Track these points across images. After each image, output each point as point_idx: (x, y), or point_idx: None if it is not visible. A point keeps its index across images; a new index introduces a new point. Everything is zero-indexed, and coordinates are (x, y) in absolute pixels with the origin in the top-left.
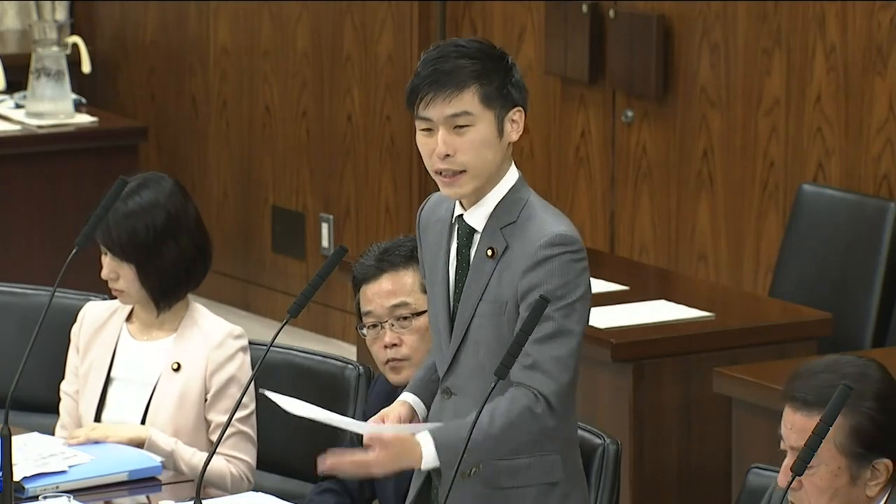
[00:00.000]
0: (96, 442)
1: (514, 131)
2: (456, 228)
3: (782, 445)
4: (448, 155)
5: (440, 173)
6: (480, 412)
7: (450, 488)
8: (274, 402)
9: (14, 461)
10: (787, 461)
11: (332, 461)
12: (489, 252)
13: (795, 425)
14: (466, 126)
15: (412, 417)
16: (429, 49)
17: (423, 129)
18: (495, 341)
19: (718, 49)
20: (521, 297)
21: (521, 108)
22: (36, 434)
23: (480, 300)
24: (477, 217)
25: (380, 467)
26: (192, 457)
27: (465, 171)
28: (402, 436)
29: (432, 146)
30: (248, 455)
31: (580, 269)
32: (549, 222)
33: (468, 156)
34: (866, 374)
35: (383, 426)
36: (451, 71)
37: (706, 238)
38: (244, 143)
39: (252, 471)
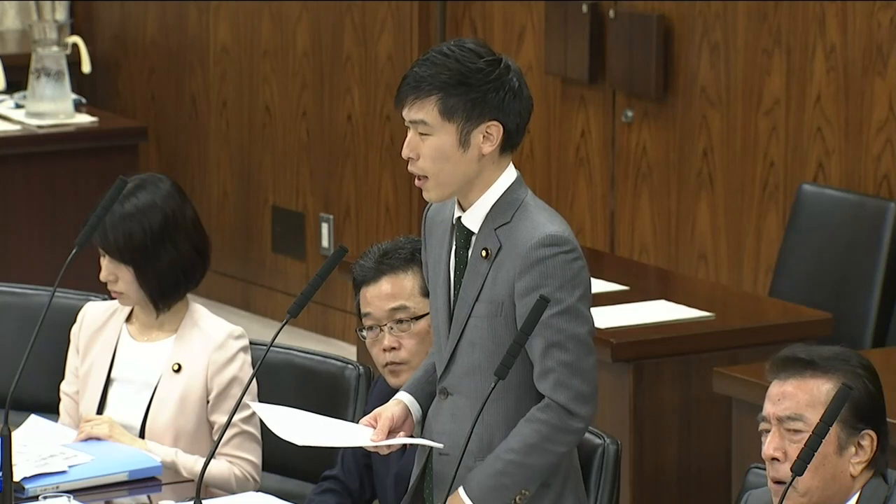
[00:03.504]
0: (98, 439)
1: (486, 144)
2: (455, 231)
3: (762, 427)
4: (411, 157)
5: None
6: (475, 422)
7: (452, 483)
8: (274, 401)
9: (14, 461)
10: (773, 432)
11: None
12: (483, 253)
13: (785, 394)
14: (426, 134)
15: (406, 417)
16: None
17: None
18: (490, 341)
19: (718, 49)
20: (518, 299)
21: (497, 122)
22: (34, 417)
23: (476, 300)
24: (474, 219)
25: None
26: (195, 464)
27: (426, 177)
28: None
29: (405, 142)
30: (253, 454)
31: (577, 268)
32: (542, 223)
33: (427, 163)
34: (849, 350)
35: (369, 441)
36: (423, 77)
37: (706, 238)
38: (244, 143)
39: (257, 470)
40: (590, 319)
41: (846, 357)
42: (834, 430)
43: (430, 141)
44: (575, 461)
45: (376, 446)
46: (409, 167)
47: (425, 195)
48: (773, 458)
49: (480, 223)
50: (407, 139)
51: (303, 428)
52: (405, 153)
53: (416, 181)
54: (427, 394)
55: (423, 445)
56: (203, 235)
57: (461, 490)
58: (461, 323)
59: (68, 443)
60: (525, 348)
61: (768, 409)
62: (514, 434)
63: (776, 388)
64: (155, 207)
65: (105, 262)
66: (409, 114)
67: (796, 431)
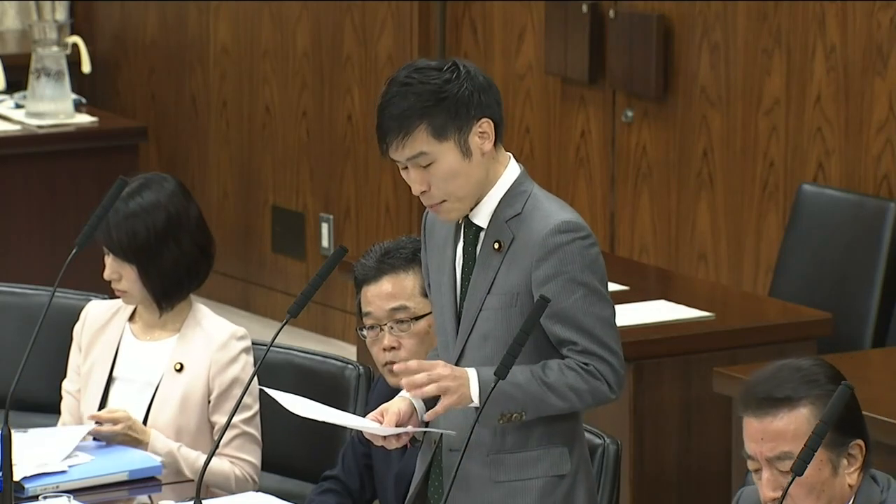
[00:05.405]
0: (114, 422)
1: (485, 142)
2: (462, 228)
3: (752, 466)
4: (424, 191)
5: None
6: (476, 420)
7: (455, 474)
8: (275, 402)
9: (14, 461)
10: (766, 474)
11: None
12: (496, 245)
13: (767, 432)
14: (429, 164)
15: (412, 414)
16: (384, 88)
17: (400, 167)
18: (505, 332)
19: (718, 49)
20: (536, 287)
21: (486, 119)
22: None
23: (488, 293)
24: (482, 215)
25: (445, 380)
26: (196, 460)
27: (444, 200)
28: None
29: (411, 181)
30: (253, 456)
31: (595, 253)
32: (555, 211)
33: (441, 188)
34: (812, 364)
35: (381, 427)
36: (398, 116)
37: (706, 238)
38: (244, 143)
39: (257, 472)
40: (611, 303)
41: (814, 378)
42: (824, 456)
43: (435, 167)
44: (585, 453)
45: (389, 433)
46: (424, 200)
47: (447, 216)
48: (775, 499)
49: (489, 218)
50: (411, 178)
51: (316, 409)
52: (416, 190)
53: (432, 208)
54: None
55: (428, 444)
56: (207, 235)
57: (475, 371)
58: (471, 318)
59: (75, 433)
60: (548, 333)
61: (753, 448)
62: (555, 368)
63: (754, 426)
64: (159, 206)
65: (109, 260)
66: (402, 153)
67: (789, 469)
